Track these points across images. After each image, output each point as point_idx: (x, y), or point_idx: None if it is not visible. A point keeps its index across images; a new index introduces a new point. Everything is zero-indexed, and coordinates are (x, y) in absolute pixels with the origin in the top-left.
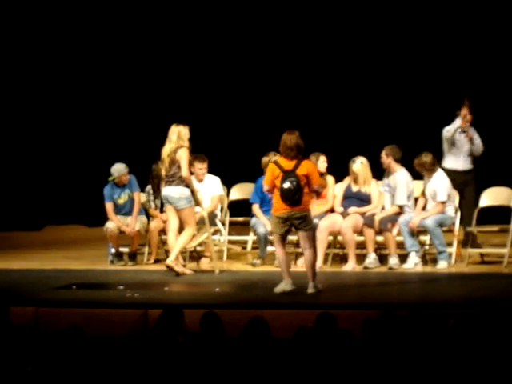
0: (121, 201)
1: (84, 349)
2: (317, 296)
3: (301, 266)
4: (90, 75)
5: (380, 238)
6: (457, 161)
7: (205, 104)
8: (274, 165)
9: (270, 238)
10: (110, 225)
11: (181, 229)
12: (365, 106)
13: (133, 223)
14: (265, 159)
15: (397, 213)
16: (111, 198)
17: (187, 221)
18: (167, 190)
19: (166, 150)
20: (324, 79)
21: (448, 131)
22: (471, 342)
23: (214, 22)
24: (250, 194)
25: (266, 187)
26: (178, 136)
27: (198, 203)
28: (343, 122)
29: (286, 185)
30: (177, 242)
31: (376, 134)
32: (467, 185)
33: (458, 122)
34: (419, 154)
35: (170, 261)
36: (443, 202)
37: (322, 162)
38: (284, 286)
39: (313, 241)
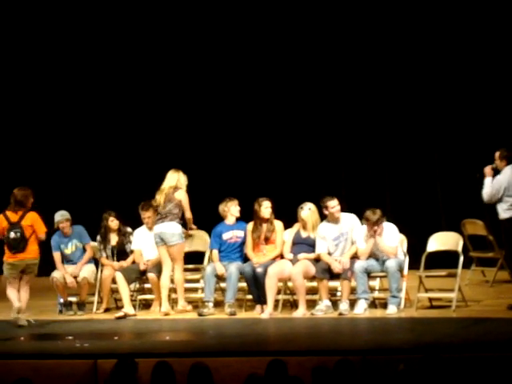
0: (67, 251)
1: None
2: (266, 342)
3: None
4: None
5: (332, 284)
6: None
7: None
8: (3, 217)
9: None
10: (57, 274)
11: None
12: (313, 151)
13: (75, 271)
14: (221, 206)
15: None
16: (58, 247)
17: (177, 257)
18: (161, 227)
19: (165, 188)
20: (271, 127)
21: None
22: None
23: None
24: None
25: None
26: (178, 180)
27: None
28: (291, 167)
29: (11, 235)
30: (177, 284)
31: (325, 180)
32: None
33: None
34: (369, 210)
35: (181, 306)
36: (396, 246)
37: (265, 208)
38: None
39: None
